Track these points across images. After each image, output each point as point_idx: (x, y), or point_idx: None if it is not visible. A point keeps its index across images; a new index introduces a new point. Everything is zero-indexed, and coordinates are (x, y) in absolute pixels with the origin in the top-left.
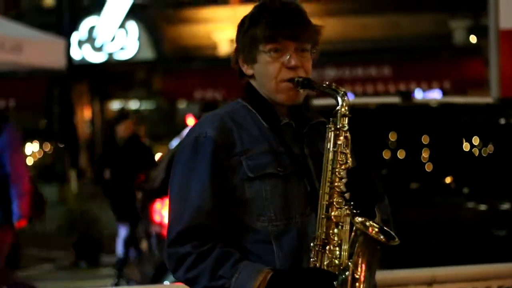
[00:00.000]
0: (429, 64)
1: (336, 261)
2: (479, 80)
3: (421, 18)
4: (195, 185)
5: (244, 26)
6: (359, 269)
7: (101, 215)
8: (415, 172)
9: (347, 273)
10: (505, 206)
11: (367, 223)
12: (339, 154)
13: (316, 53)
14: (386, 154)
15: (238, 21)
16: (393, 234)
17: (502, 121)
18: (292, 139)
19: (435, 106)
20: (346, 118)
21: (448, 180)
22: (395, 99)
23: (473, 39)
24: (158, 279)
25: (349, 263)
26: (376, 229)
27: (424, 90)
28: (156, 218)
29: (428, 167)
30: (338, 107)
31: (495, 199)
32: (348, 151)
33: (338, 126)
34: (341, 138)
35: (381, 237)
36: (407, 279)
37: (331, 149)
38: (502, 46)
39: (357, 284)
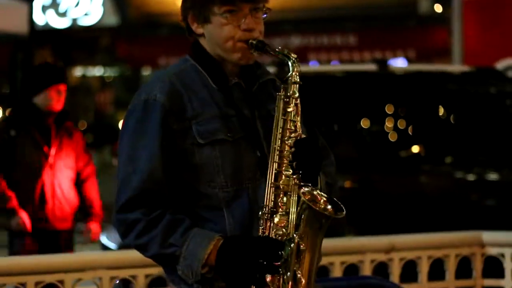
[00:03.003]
0: (394, 33)
1: (283, 230)
2: (443, 49)
3: None
4: (144, 150)
5: None
6: (304, 241)
7: None
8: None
9: (292, 244)
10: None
11: (315, 192)
12: (288, 122)
13: (268, 12)
14: (365, 123)
15: None
16: (341, 205)
17: (480, 89)
18: (241, 99)
19: (411, 73)
20: (297, 85)
21: (417, 148)
22: (371, 67)
23: (438, 8)
24: None
25: (295, 235)
26: (324, 199)
27: (388, 59)
28: None
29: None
30: (289, 74)
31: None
32: (298, 119)
33: (288, 94)
34: (291, 105)
35: (329, 208)
36: (366, 246)
37: (280, 117)
38: (466, 16)
39: (302, 255)
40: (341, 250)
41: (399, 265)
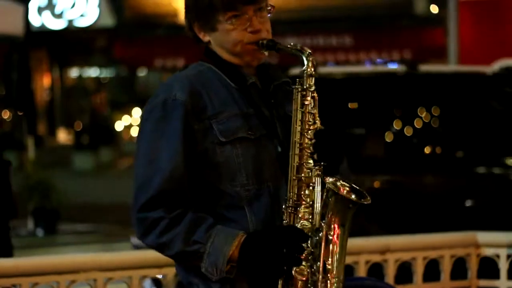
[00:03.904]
0: (390, 34)
1: (308, 223)
2: (439, 50)
3: None
4: (165, 149)
5: None
6: (332, 230)
7: (59, 182)
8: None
9: (320, 234)
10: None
11: (338, 183)
12: (307, 114)
13: (271, 10)
14: (397, 124)
15: None
16: (365, 192)
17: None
18: (259, 99)
19: (441, 74)
20: (313, 78)
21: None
22: (399, 68)
23: (434, 8)
24: None
25: (322, 224)
26: (348, 189)
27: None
28: None
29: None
30: (304, 68)
31: None
32: (315, 111)
33: (305, 87)
34: (308, 98)
35: (353, 196)
36: (361, 248)
37: (298, 109)
38: (462, 16)
39: (331, 245)
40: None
41: (394, 266)
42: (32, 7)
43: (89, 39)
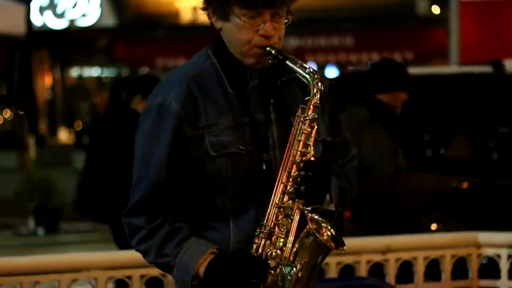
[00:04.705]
0: (391, 34)
1: (278, 252)
2: (441, 50)
3: None
4: (155, 157)
5: None
6: (304, 269)
7: (60, 182)
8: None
9: (292, 271)
10: None
11: (323, 224)
12: (302, 144)
13: (290, 20)
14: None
15: None
16: (342, 242)
17: None
18: (259, 103)
19: None
20: (317, 109)
21: None
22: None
23: (435, 9)
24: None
25: (297, 262)
26: (329, 233)
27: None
28: None
29: None
30: (310, 97)
31: None
32: (311, 142)
33: (306, 117)
34: (308, 128)
35: (331, 243)
36: (362, 247)
37: (295, 138)
38: (463, 17)
39: (299, 284)
40: (336, 251)
41: (395, 266)
42: (34, 6)
43: (90, 39)
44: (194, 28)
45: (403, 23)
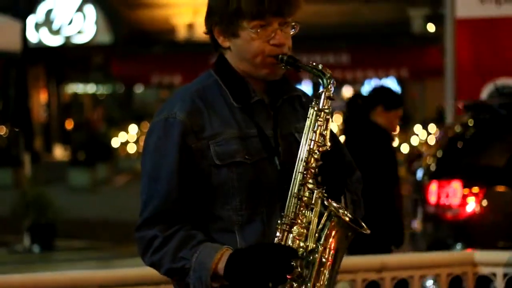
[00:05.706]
0: (387, 52)
1: (301, 243)
2: (436, 69)
3: (380, 6)
4: (163, 170)
5: None
6: (327, 252)
7: (56, 199)
8: None
9: (316, 255)
10: None
11: (341, 211)
12: (318, 135)
13: (296, 28)
14: None
15: (196, 6)
16: (364, 225)
17: None
18: (264, 118)
19: None
20: (330, 101)
21: None
22: None
23: (431, 27)
24: None
25: (319, 245)
26: (348, 218)
27: (380, 78)
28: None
29: None
30: (323, 89)
31: None
32: (327, 133)
33: (320, 107)
34: (322, 119)
35: (353, 225)
36: (357, 265)
37: (311, 128)
38: (459, 35)
39: (322, 268)
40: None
41: (390, 284)
42: (30, 23)
43: (86, 55)
44: (189, 45)
45: (398, 41)
